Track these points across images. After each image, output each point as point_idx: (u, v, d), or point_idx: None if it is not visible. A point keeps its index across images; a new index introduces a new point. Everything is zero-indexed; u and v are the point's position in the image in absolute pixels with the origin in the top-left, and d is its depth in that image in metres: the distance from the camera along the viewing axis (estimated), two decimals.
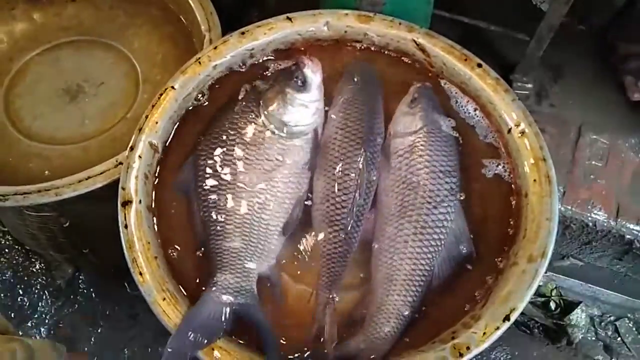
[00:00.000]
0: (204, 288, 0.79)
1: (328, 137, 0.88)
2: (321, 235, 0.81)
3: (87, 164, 1.00)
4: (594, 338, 1.45)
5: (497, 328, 0.72)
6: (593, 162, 1.32)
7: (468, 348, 0.70)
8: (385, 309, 0.79)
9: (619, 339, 1.45)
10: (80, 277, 1.33)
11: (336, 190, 0.82)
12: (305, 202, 0.85)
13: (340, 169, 0.83)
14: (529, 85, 1.39)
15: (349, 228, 0.80)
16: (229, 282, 0.79)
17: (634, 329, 1.46)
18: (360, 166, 0.83)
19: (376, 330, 0.78)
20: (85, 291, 1.32)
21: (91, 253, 1.14)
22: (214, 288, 0.78)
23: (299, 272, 0.84)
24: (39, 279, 1.33)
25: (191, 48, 1.12)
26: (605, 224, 1.26)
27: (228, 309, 0.76)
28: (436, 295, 0.81)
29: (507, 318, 0.72)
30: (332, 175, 0.84)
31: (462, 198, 0.85)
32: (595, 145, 1.33)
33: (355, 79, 0.91)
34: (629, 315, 1.48)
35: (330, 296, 0.78)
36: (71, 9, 1.20)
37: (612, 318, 1.48)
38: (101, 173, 0.89)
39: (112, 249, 1.18)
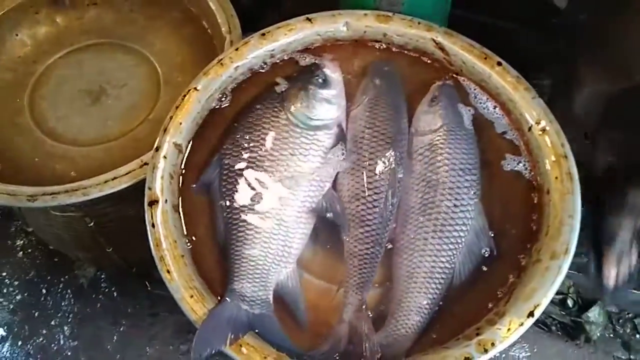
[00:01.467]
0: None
1: (354, 136, 0.88)
2: (351, 235, 0.82)
3: (111, 165, 1.02)
4: (612, 335, 1.45)
5: (522, 324, 0.72)
6: None
7: (493, 344, 0.71)
8: (406, 306, 0.79)
9: (637, 336, 1.44)
10: (102, 276, 1.35)
11: (367, 190, 0.83)
12: None
13: (371, 168, 0.84)
14: (546, 82, 1.39)
15: (381, 228, 0.81)
16: (246, 291, 0.79)
17: None
18: (391, 166, 0.84)
19: (397, 327, 0.78)
20: (107, 290, 1.35)
21: (114, 252, 1.16)
22: (230, 296, 0.79)
23: (320, 270, 0.86)
24: (62, 278, 1.35)
25: (210, 50, 1.14)
26: None
27: (244, 319, 0.77)
28: (458, 292, 0.81)
29: (531, 314, 0.73)
30: (361, 174, 0.84)
31: (489, 200, 0.85)
32: None
33: (379, 79, 0.92)
34: None
35: (362, 298, 0.78)
36: (93, 12, 1.22)
37: (630, 315, 1.47)
38: (127, 173, 0.91)
39: (134, 248, 1.21)
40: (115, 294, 1.34)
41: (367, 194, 0.82)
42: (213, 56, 1.12)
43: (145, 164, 0.91)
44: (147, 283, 1.34)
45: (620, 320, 1.47)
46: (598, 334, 1.43)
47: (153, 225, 0.80)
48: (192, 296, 0.76)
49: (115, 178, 0.90)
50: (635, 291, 1.50)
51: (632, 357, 1.40)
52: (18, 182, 0.94)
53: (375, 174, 0.83)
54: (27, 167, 1.03)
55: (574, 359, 1.21)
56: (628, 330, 1.46)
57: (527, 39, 1.42)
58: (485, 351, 0.71)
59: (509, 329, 0.72)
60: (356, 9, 1.00)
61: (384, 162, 0.84)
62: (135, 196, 0.94)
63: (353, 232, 0.82)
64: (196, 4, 1.16)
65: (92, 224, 1.05)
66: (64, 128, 1.08)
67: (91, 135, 1.07)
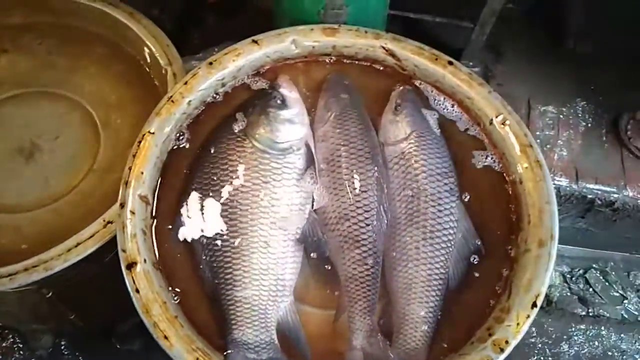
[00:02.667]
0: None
1: (329, 155, 0.86)
2: (346, 257, 0.80)
3: (62, 228, 0.94)
4: (569, 293, 1.55)
5: (528, 316, 0.74)
6: (546, 132, 1.40)
7: (507, 342, 0.73)
8: (410, 318, 0.79)
9: (590, 289, 1.56)
10: (62, 343, 1.23)
11: (356, 209, 0.81)
12: None
13: (355, 186, 0.82)
14: (476, 69, 1.45)
15: (377, 247, 0.80)
16: (248, 338, 0.76)
17: (601, 277, 1.57)
18: (377, 181, 0.83)
19: (406, 342, 0.78)
20: (70, 356, 1.23)
21: (77, 317, 1.06)
22: (234, 348, 0.74)
23: (315, 298, 0.84)
24: (16, 355, 1.22)
25: (148, 85, 1.06)
26: (568, 189, 1.35)
27: None
28: (457, 295, 0.82)
29: (534, 304, 0.75)
30: (345, 193, 0.82)
31: (466, 198, 0.87)
32: (546, 116, 1.41)
33: (341, 93, 0.91)
34: (594, 265, 1.59)
35: (372, 323, 0.76)
36: (4, 60, 1.09)
37: (580, 272, 1.58)
38: (91, 237, 0.83)
39: (97, 306, 1.12)
40: (80, 358, 1.23)
41: (357, 213, 0.81)
42: (152, 91, 1.07)
43: (109, 222, 0.84)
44: (113, 340, 1.24)
45: (573, 278, 1.58)
46: (557, 295, 1.53)
47: (137, 291, 0.74)
48: (197, 359, 0.71)
49: (78, 244, 0.82)
50: (582, 248, 1.63)
51: (589, 310, 1.51)
52: None
53: (362, 192, 0.82)
54: None
55: (547, 323, 1.27)
56: (581, 286, 1.57)
57: (452, 29, 1.47)
58: (502, 350, 0.72)
59: (518, 324, 0.74)
60: (301, 25, 0.97)
61: (368, 179, 0.83)
62: (98, 256, 0.86)
63: (348, 254, 0.80)
64: (123, 37, 1.08)
65: (50, 294, 0.95)
66: None
67: (33, 197, 0.97)
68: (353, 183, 0.83)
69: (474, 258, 0.84)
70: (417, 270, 0.81)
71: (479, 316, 0.78)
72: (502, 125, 0.90)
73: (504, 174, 0.90)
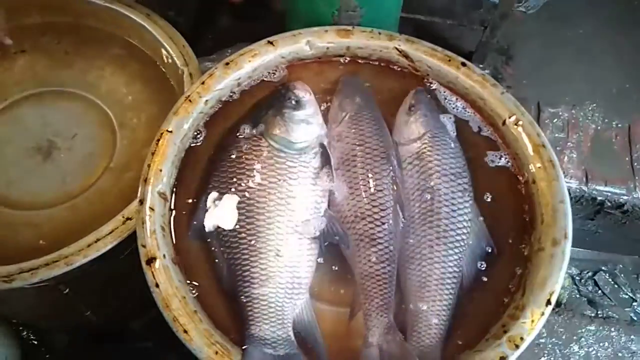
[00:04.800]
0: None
1: (344, 155, 0.87)
2: (362, 256, 0.81)
3: (80, 224, 0.95)
4: (578, 295, 1.55)
5: (542, 313, 0.75)
6: (556, 135, 1.41)
7: (522, 338, 0.73)
8: (424, 316, 0.80)
9: (599, 291, 1.56)
10: (77, 340, 1.24)
11: (372, 207, 0.82)
12: None
13: (371, 185, 0.83)
14: (486, 72, 1.45)
15: (393, 245, 0.81)
16: (265, 334, 0.77)
17: (610, 280, 1.58)
18: (393, 180, 0.84)
19: (420, 339, 0.78)
20: (85, 353, 1.24)
21: (92, 314, 1.07)
22: (252, 343, 0.75)
23: (330, 296, 0.85)
24: (32, 352, 1.22)
25: (164, 85, 1.08)
26: (578, 191, 1.36)
27: None
28: (471, 294, 0.83)
29: (548, 302, 0.76)
30: (360, 192, 0.83)
31: (488, 198, 0.88)
32: (555, 118, 1.42)
33: (355, 94, 0.92)
34: (603, 268, 1.60)
35: (389, 321, 0.77)
36: (22, 60, 1.11)
37: (589, 274, 1.59)
38: (110, 233, 0.84)
39: (114, 305, 1.13)
40: (96, 356, 1.24)
41: (373, 212, 0.82)
42: (167, 91, 1.08)
43: (129, 218, 0.85)
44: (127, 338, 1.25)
45: (582, 280, 1.59)
46: (566, 297, 1.54)
47: (157, 285, 0.75)
48: (217, 352, 0.72)
49: (98, 240, 0.83)
50: (590, 250, 1.63)
51: (598, 312, 1.52)
52: None
53: (378, 191, 0.83)
54: None
55: (557, 324, 1.28)
56: (590, 288, 1.57)
57: (461, 32, 1.48)
58: (517, 347, 0.73)
59: (532, 321, 0.75)
60: (316, 27, 0.99)
61: (383, 178, 0.84)
62: (112, 251, 0.87)
63: (364, 253, 0.81)
64: (140, 38, 1.09)
65: (67, 290, 0.96)
66: (18, 193, 0.98)
67: (50, 195, 0.98)
68: (368, 182, 0.84)
69: (487, 257, 0.84)
70: (430, 269, 0.82)
71: (493, 314, 0.79)
72: (515, 126, 0.91)
73: (517, 174, 0.90)
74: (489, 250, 0.85)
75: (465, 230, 0.84)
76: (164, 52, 1.04)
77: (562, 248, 0.80)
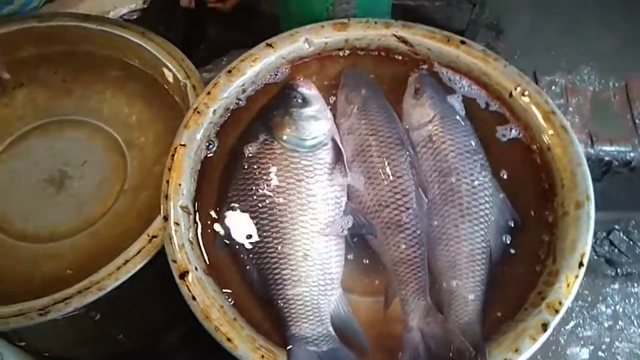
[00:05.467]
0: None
1: (359, 147, 0.87)
2: (390, 243, 0.81)
3: (102, 249, 0.95)
4: (595, 257, 1.57)
5: (577, 276, 0.76)
6: (555, 102, 1.40)
7: (560, 303, 0.74)
8: (459, 294, 0.80)
9: (616, 250, 1.57)
10: None
11: (394, 195, 0.82)
12: None
13: (390, 173, 0.84)
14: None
15: (421, 229, 0.81)
16: (306, 332, 0.77)
17: (624, 237, 1.59)
18: (410, 166, 0.85)
19: (459, 317, 0.79)
20: None
21: (124, 337, 1.07)
22: (295, 343, 0.76)
23: (362, 287, 0.85)
24: None
25: (166, 101, 1.08)
26: (584, 154, 1.36)
27: None
28: (501, 267, 0.84)
29: (581, 264, 0.77)
30: (380, 181, 0.84)
31: (504, 175, 0.89)
32: (553, 86, 1.43)
33: (360, 85, 0.92)
34: (616, 227, 1.61)
35: (427, 303, 0.78)
36: (21, 94, 1.10)
37: (604, 234, 1.60)
38: (138, 253, 0.84)
39: (144, 325, 1.13)
40: None
41: (396, 199, 0.82)
42: (171, 106, 1.08)
43: (154, 236, 0.85)
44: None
45: (598, 242, 1.60)
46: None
47: (194, 298, 0.75)
48: (263, 356, 0.72)
49: (127, 261, 0.83)
50: (602, 212, 1.64)
51: (618, 270, 1.53)
52: (4, 303, 0.83)
53: (397, 177, 0.84)
54: (9, 282, 0.91)
55: (582, 287, 1.28)
56: (607, 248, 1.58)
57: (449, 12, 1.49)
58: (557, 312, 0.74)
59: (568, 285, 0.75)
60: (312, 24, 0.99)
61: (401, 164, 0.85)
62: (140, 270, 0.87)
63: (393, 240, 0.82)
64: (137, 57, 1.09)
65: (98, 316, 0.96)
66: (35, 226, 0.97)
67: (69, 224, 0.98)
68: (387, 170, 0.84)
69: (512, 230, 0.85)
70: (459, 247, 0.83)
71: (528, 283, 0.80)
72: (523, 97, 0.92)
73: (530, 144, 0.91)
74: (512, 225, 0.86)
75: (488, 206, 0.85)
76: (163, 68, 1.04)
77: (587, 210, 0.81)
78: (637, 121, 1.38)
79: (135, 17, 1.34)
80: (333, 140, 0.89)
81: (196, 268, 0.78)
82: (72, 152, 1.05)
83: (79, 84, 1.12)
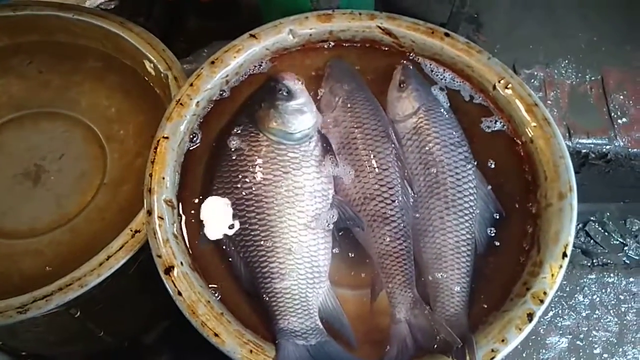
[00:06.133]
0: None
1: (344, 139, 0.87)
2: (377, 235, 0.81)
3: (83, 245, 0.93)
4: (572, 248, 1.59)
5: (561, 266, 0.77)
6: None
7: (545, 293, 0.75)
8: (445, 286, 0.81)
9: (592, 241, 1.61)
10: None
11: (379, 187, 0.82)
12: None
13: (376, 165, 0.84)
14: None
15: (406, 221, 0.82)
16: (294, 326, 0.77)
17: (599, 228, 1.63)
18: (396, 158, 0.85)
19: (445, 308, 0.79)
20: None
21: (105, 334, 1.05)
22: (283, 336, 0.75)
23: (349, 280, 0.85)
24: None
25: (146, 92, 1.05)
26: None
27: (305, 354, 0.75)
28: (487, 258, 0.84)
29: (564, 255, 0.78)
30: (366, 174, 0.84)
31: (491, 165, 0.89)
32: (532, 79, 1.45)
33: (344, 77, 0.92)
34: (592, 218, 1.65)
35: (414, 295, 0.78)
36: None
37: (580, 225, 1.63)
38: (120, 248, 0.82)
39: (125, 322, 1.11)
40: None
41: (382, 191, 0.82)
42: (151, 98, 1.06)
43: (137, 231, 0.83)
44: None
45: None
46: None
47: (180, 293, 0.74)
48: (251, 351, 0.71)
49: (109, 257, 0.81)
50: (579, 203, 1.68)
51: (594, 261, 1.56)
52: None
53: (383, 170, 0.83)
54: None
55: None
56: (583, 239, 1.62)
57: (429, 6, 1.49)
58: (541, 302, 0.75)
59: (552, 275, 0.77)
60: (296, 15, 0.98)
61: (386, 157, 0.84)
62: (127, 267, 0.86)
63: (379, 232, 0.81)
64: (116, 48, 1.06)
65: (78, 313, 0.94)
66: (13, 222, 0.94)
67: (48, 219, 0.95)
68: (373, 162, 0.84)
69: (496, 222, 0.86)
70: (444, 239, 0.83)
71: (513, 274, 0.81)
72: (506, 89, 0.92)
73: (514, 137, 0.92)
74: (497, 217, 0.86)
75: (472, 198, 0.86)
76: (144, 58, 1.01)
77: (570, 200, 0.82)
78: (612, 114, 1.41)
79: (112, 6, 1.30)
80: (319, 132, 0.89)
81: (182, 263, 0.77)
82: (49, 146, 1.02)
83: (56, 75, 1.09)
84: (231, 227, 0.83)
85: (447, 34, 0.97)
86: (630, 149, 1.39)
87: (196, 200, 0.85)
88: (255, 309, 0.80)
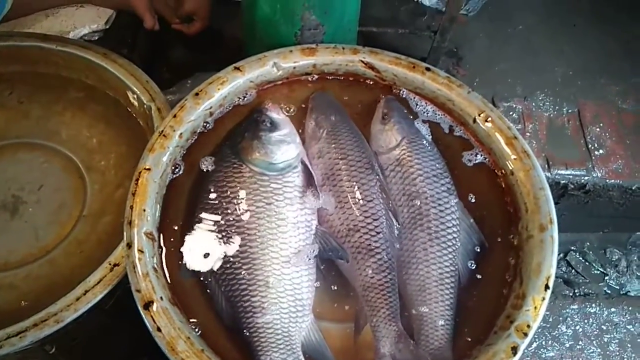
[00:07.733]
0: None
1: (329, 170, 0.87)
2: (361, 268, 0.81)
3: (60, 278, 0.91)
4: (554, 278, 1.60)
5: (543, 299, 0.77)
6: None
7: (528, 326, 0.75)
8: (429, 319, 0.80)
9: (573, 271, 1.62)
10: None
11: (364, 219, 0.82)
12: None
13: (360, 197, 0.84)
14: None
15: (391, 253, 0.81)
16: None
17: (580, 258, 1.64)
18: (380, 190, 0.85)
19: (429, 342, 0.79)
20: None
21: None
22: None
23: (333, 313, 0.84)
24: None
25: (128, 123, 1.05)
26: None
27: None
28: (469, 290, 0.84)
29: (547, 287, 0.78)
30: (350, 206, 0.84)
31: (472, 199, 0.90)
32: (511, 112, 1.48)
33: (329, 110, 0.93)
34: (572, 248, 1.66)
35: (398, 329, 0.77)
36: None
37: (561, 255, 1.65)
38: (98, 282, 0.80)
39: (105, 357, 1.07)
40: None
41: (366, 223, 0.82)
42: (134, 129, 1.06)
43: (116, 265, 0.81)
44: None
45: None
46: None
47: (159, 329, 0.72)
48: None
49: (87, 291, 0.79)
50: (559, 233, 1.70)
51: (576, 291, 1.57)
52: None
53: (368, 202, 0.84)
54: None
55: None
56: (564, 269, 1.63)
57: (410, 40, 1.53)
58: (525, 335, 0.74)
59: (535, 307, 0.76)
60: (280, 48, 0.99)
61: (371, 188, 0.85)
62: (98, 303, 0.83)
63: (363, 265, 0.81)
64: (98, 79, 1.06)
65: (53, 350, 0.91)
66: None
67: (24, 252, 0.92)
68: (357, 194, 0.84)
69: (477, 256, 0.86)
70: (428, 271, 0.83)
71: (495, 306, 0.80)
72: (486, 122, 0.94)
73: (495, 169, 0.93)
74: (478, 250, 0.87)
75: (455, 229, 0.86)
76: (127, 90, 1.01)
77: (550, 232, 0.83)
78: (589, 146, 1.44)
79: (96, 37, 1.31)
80: (303, 163, 0.89)
81: (161, 297, 0.75)
82: (27, 177, 1.00)
83: (36, 105, 1.08)
84: (212, 259, 0.82)
85: (428, 69, 0.99)
86: (607, 180, 1.42)
87: (178, 233, 0.84)
88: (237, 345, 0.78)
